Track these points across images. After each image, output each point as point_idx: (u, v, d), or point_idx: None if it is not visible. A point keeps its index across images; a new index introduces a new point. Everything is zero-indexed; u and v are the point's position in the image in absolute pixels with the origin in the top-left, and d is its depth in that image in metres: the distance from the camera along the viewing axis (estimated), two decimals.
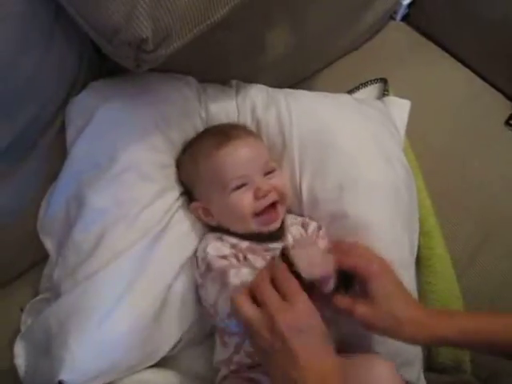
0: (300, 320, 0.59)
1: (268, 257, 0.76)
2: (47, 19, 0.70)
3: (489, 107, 1.14)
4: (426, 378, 0.85)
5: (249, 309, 0.61)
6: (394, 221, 0.84)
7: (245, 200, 0.77)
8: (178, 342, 0.79)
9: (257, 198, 0.77)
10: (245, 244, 0.78)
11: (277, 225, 0.79)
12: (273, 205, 0.78)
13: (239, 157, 0.79)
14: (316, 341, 0.60)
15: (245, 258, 0.76)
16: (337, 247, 0.73)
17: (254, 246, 0.78)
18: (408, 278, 0.84)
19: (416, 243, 0.90)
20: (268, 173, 0.80)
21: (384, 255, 0.78)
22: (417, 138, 1.02)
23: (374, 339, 0.78)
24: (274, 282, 0.62)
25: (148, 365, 0.78)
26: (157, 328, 0.76)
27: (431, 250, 0.94)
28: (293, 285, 0.62)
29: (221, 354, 0.76)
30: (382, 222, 0.82)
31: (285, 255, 0.64)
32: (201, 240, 0.81)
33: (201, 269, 0.76)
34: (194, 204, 0.82)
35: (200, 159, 0.81)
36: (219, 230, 0.81)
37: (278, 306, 0.60)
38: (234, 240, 0.78)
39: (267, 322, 0.59)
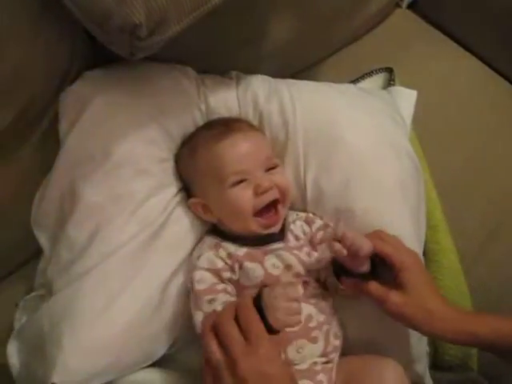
0: (263, 365, 0.58)
1: (267, 262, 0.74)
2: (35, 5, 0.68)
3: (497, 96, 1.13)
4: (431, 375, 0.84)
5: (215, 349, 0.59)
6: (402, 215, 0.81)
7: (244, 196, 0.75)
8: (175, 341, 0.78)
9: (257, 194, 0.75)
10: (242, 251, 0.75)
11: (277, 228, 0.77)
12: (274, 204, 0.76)
13: (240, 150, 0.76)
14: None
15: (240, 266, 0.74)
16: (374, 234, 0.74)
17: (253, 251, 0.75)
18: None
19: (423, 237, 0.88)
20: (270, 169, 0.78)
21: None
22: (423, 128, 1.00)
23: (380, 341, 0.77)
24: (238, 321, 0.61)
25: (144, 365, 0.76)
26: (153, 327, 0.74)
27: (438, 245, 0.93)
28: (256, 328, 0.60)
29: None
30: (389, 217, 0.80)
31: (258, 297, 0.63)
32: (199, 240, 0.79)
33: (189, 275, 0.75)
34: (192, 200, 0.79)
35: (199, 152, 0.79)
36: (218, 230, 0.79)
37: (240, 349, 0.58)
38: (231, 248, 0.76)
39: (230, 365, 0.58)
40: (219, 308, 0.68)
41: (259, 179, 0.75)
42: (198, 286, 0.72)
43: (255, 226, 0.75)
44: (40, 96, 0.78)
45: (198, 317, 0.70)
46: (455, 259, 0.93)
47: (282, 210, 0.77)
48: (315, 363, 0.72)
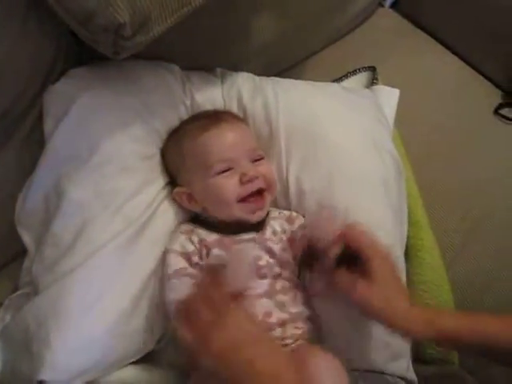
0: (234, 334, 0.58)
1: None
2: (20, 4, 0.68)
3: (478, 96, 1.14)
4: (414, 369, 0.84)
5: (187, 334, 0.60)
6: (384, 212, 0.83)
7: (229, 184, 0.75)
8: (162, 336, 0.78)
9: (242, 182, 0.75)
10: (212, 237, 0.76)
11: (263, 213, 0.78)
12: (259, 192, 0.77)
13: (226, 139, 0.77)
14: (258, 347, 0.58)
15: (208, 253, 0.75)
16: (347, 228, 0.73)
17: (224, 238, 0.76)
18: (399, 270, 0.82)
19: (405, 234, 0.89)
20: (256, 160, 0.79)
21: None
22: (405, 126, 1.02)
23: (360, 334, 0.77)
24: (200, 301, 0.61)
25: (132, 360, 0.76)
26: (139, 323, 0.74)
27: (419, 241, 0.93)
28: (219, 296, 0.60)
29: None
30: (371, 214, 0.81)
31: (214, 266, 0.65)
32: (173, 230, 0.80)
33: (162, 260, 0.76)
34: (177, 189, 0.80)
35: (185, 141, 0.79)
36: (199, 219, 0.80)
37: (208, 324, 0.58)
38: (203, 234, 0.77)
39: (204, 344, 0.58)
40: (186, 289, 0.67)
41: (245, 168, 0.76)
42: (169, 270, 0.73)
43: (239, 212, 0.76)
44: (24, 94, 0.77)
45: (169, 299, 0.71)
46: (437, 255, 0.94)
47: (267, 197, 0.78)
48: None
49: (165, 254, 0.76)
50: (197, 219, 0.81)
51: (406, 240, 0.90)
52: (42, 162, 0.79)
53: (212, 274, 0.63)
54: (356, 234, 0.71)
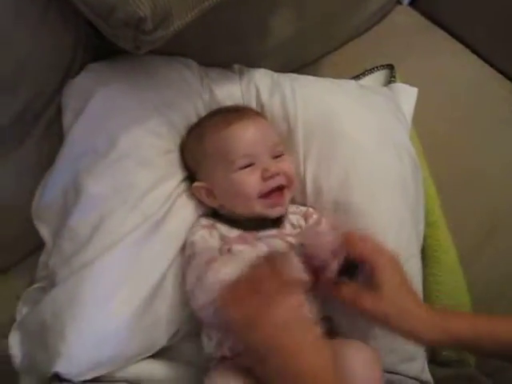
0: (284, 315, 0.58)
1: (258, 246, 0.74)
2: None
3: (497, 94, 1.13)
4: (430, 371, 0.84)
5: (234, 310, 0.60)
6: (401, 211, 0.82)
7: (251, 180, 0.75)
8: (176, 332, 0.78)
9: (264, 178, 0.75)
10: (235, 233, 0.76)
11: (283, 209, 0.78)
12: (279, 189, 0.77)
13: (249, 135, 0.77)
14: (305, 336, 0.58)
15: (228, 250, 0.74)
16: (347, 236, 0.71)
17: (245, 234, 0.76)
18: (415, 269, 0.83)
19: (422, 234, 0.88)
20: (276, 156, 0.79)
21: (390, 246, 0.76)
22: (423, 125, 1.01)
23: (372, 335, 0.76)
24: (255, 282, 0.61)
25: (146, 355, 0.76)
26: (154, 318, 0.74)
27: (436, 241, 0.93)
28: (275, 282, 0.61)
29: (206, 347, 0.74)
30: (388, 213, 0.80)
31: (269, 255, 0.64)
32: (194, 224, 0.79)
33: (186, 252, 0.75)
34: (196, 184, 0.79)
35: (207, 134, 0.79)
36: (217, 214, 0.80)
37: (261, 305, 0.59)
38: (224, 229, 0.76)
39: (253, 322, 0.58)
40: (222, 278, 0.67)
41: (267, 164, 0.76)
42: (204, 256, 0.72)
43: (260, 208, 0.76)
44: (44, 88, 0.77)
45: (211, 280, 0.68)
46: (454, 255, 0.93)
47: (287, 193, 0.78)
48: None
49: (187, 243, 0.76)
50: (216, 214, 0.81)
51: (422, 240, 0.89)
52: (61, 155, 0.80)
53: (270, 260, 0.63)
54: (357, 242, 0.70)
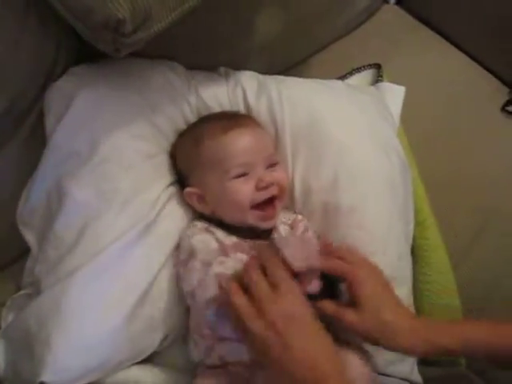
0: (291, 308, 0.59)
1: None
2: (20, 1, 0.67)
3: (485, 93, 1.13)
4: (420, 371, 0.84)
5: (240, 298, 0.60)
6: (390, 212, 0.82)
7: (245, 189, 0.75)
8: (165, 338, 0.77)
9: (258, 188, 0.75)
10: (231, 240, 0.75)
11: (273, 222, 0.77)
12: (271, 199, 0.76)
13: (246, 144, 0.76)
14: (310, 329, 0.59)
15: (228, 255, 0.73)
16: (323, 248, 0.70)
17: (241, 242, 0.75)
18: (405, 269, 0.83)
19: (411, 234, 0.88)
20: (271, 165, 0.78)
21: (380, 246, 0.78)
22: (411, 124, 1.01)
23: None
24: (262, 271, 0.61)
25: (134, 362, 0.75)
26: (143, 325, 0.73)
27: (426, 241, 0.93)
28: (282, 272, 0.61)
29: (194, 354, 0.74)
30: (377, 213, 0.80)
31: (272, 245, 0.63)
32: (187, 226, 0.78)
33: (182, 255, 0.74)
34: (188, 189, 0.79)
35: (203, 141, 0.78)
36: (209, 219, 0.79)
37: (268, 294, 0.59)
38: (220, 234, 0.75)
39: (258, 311, 0.58)
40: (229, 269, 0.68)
41: (261, 174, 0.75)
42: (203, 250, 0.72)
43: (252, 219, 0.75)
44: (25, 93, 0.76)
45: (206, 283, 0.68)
46: (444, 255, 0.93)
47: (278, 205, 0.77)
48: None
49: (181, 246, 0.75)
50: (210, 218, 0.79)
51: (412, 239, 0.89)
52: (44, 160, 0.79)
53: (272, 250, 0.63)
54: (334, 257, 0.69)
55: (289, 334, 0.57)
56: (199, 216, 0.81)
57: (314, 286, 0.66)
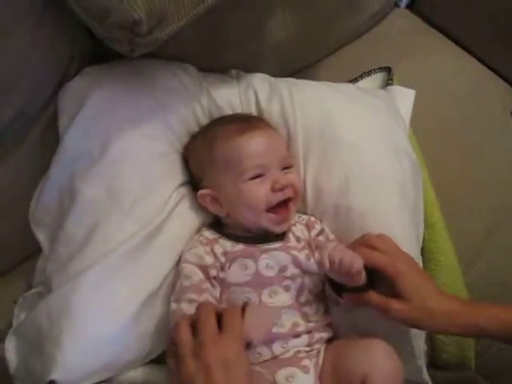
0: (228, 353, 0.59)
1: (261, 262, 0.74)
2: (37, 2, 0.68)
3: (494, 97, 1.12)
4: (429, 374, 0.83)
5: (185, 333, 0.61)
6: (401, 214, 0.82)
7: (261, 191, 0.75)
8: None
9: (274, 190, 0.75)
10: (239, 248, 0.75)
11: (287, 225, 0.78)
12: (285, 202, 0.77)
13: (260, 145, 0.77)
14: (240, 378, 0.59)
15: (230, 266, 0.74)
16: (361, 241, 0.73)
17: (250, 248, 0.76)
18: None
19: (421, 236, 0.88)
20: (285, 168, 0.79)
21: None
22: (421, 127, 1.00)
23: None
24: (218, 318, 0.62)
25: (143, 362, 0.76)
26: (152, 324, 0.74)
27: (436, 243, 0.92)
28: (237, 324, 0.61)
29: None
30: (388, 216, 0.80)
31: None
32: (196, 233, 0.79)
33: (180, 265, 0.75)
34: (202, 191, 0.79)
35: (217, 143, 0.78)
36: (219, 225, 0.79)
37: (211, 336, 0.60)
38: (228, 244, 0.76)
39: (196, 349, 0.59)
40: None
41: (277, 176, 0.76)
42: (185, 282, 0.72)
43: (266, 222, 0.76)
44: (40, 93, 0.77)
45: (174, 308, 0.71)
46: (453, 258, 0.93)
47: (292, 207, 0.78)
48: (299, 351, 0.72)
49: (181, 262, 0.76)
50: (219, 225, 0.80)
51: (422, 241, 0.88)
52: (56, 159, 0.79)
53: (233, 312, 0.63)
54: (369, 254, 0.71)
55: (219, 377, 0.57)
56: (212, 222, 0.81)
57: (361, 279, 0.69)
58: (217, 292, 0.73)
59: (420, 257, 0.86)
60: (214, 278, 0.74)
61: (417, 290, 0.69)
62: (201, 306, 0.64)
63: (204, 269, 0.73)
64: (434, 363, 0.87)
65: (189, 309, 0.69)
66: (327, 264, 0.67)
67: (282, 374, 0.69)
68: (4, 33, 0.65)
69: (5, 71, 0.69)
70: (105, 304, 0.71)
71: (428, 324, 0.69)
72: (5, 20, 0.65)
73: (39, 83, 0.77)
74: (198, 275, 0.73)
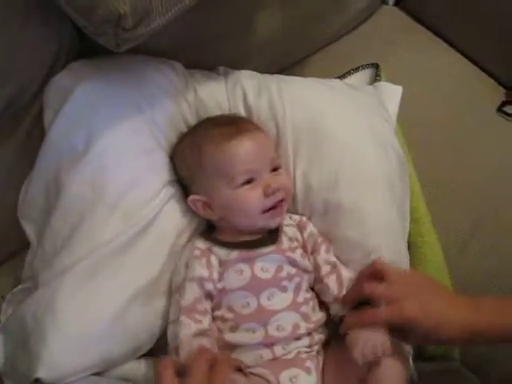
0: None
1: (256, 265, 0.75)
2: None
3: (481, 93, 1.13)
4: (415, 366, 0.83)
5: (167, 376, 0.60)
6: (389, 209, 0.83)
7: (253, 197, 0.75)
8: (162, 335, 0.77)
9: (266, 195, 0.75)
10: (234, 255, 0.76)
11: (280, 219, 0.79)
12: (279, 201, 0.77)
13: (249, 151, 0.76)
14: None
15: (226, 274, 0.74)
16: (369, 272, 0.72)
17: (245, 253, 0.76)
18: (402, 267, 0.83)
19: (407, 231, 0.89)
20: (274, 169, 0.79)
21: (378, 244, 0.79)
22: (407, 123, 1.01)
23: None
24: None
25: (132, 359, 0.75)
26: (140, 322, 0.74)
27: (421, 238, 0.93)
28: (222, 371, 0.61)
29: None
30: (376, 212, 0.81)
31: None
32: (189, 237, 0.79)
33: (175, 278, 0.76)
34: (192, 197, 0.78)
35: (205, 148, 0.78)
36: (210, 231, 0.80)
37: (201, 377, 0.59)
38: (222, 253, 0.76)
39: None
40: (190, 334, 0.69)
41: (267, 180, 0.76)
42: (184, 302, 0.72)
43: (261, 221, 0.77)
44: (27, 88, 0.77)
45: (173, 332, 0.71)
46: (439, 252, 0.93)
47: (285, 205, 0.79)
48: (300, 352, 0.73)
49: (178, 276, 0.76)
50: (211, 228, 0.81)
51: (408, 236, 0.89)
52: (42, 153, 0.79)
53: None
54: (367, 289, 0.70)
55: None
56: (200, 233, 0.81)
57: None
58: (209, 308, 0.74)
59: (407, 251, 0.87)
60: (212, 290, 0.74)
61: (428, 333, 0.65)
62: (192, 361, 0.63)
63: (201, 282, 0.73)
64: (420, 355, 0.87)
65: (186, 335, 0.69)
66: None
67: (285, 374, 0.70)
68: None
69: None
70: (90, 301, 0.71)
71: (435, 339, 0.68)
72: None
73: (26, 78, 0.76)
74: (195, 292, 0.72)
